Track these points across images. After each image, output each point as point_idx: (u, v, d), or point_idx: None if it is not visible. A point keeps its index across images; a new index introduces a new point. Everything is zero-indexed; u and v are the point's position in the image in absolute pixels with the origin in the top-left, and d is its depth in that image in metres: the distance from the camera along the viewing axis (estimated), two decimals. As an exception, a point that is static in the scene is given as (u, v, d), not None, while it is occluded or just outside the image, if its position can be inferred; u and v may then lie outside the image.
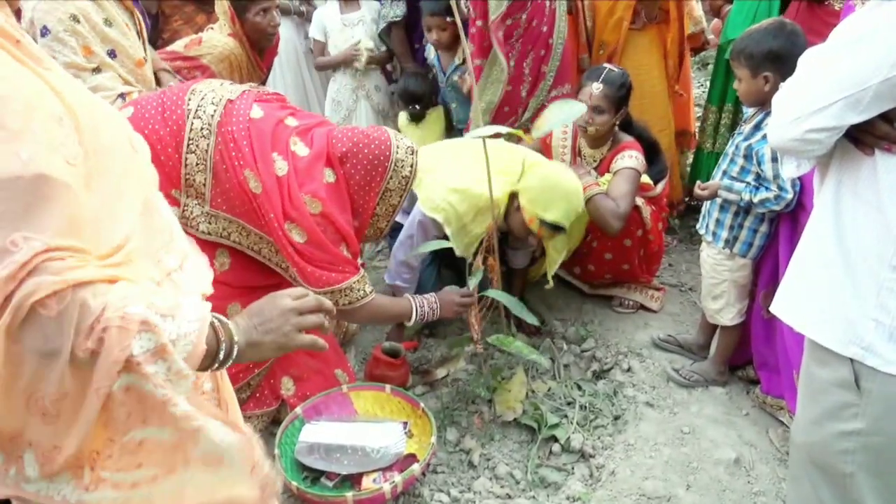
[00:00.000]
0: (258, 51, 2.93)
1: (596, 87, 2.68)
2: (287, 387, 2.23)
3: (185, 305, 0.89)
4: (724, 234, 2.32)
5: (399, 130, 3.34)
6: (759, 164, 2.15)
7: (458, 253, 2.49)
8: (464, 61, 3.42)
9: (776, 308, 1.42)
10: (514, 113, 3.27)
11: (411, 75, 3.56)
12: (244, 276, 2.02)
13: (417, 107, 3.47)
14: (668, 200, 3.47)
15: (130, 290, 0.83)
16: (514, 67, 3.16)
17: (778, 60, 2.05)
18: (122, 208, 0.88)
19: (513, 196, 2.45)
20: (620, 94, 2.72)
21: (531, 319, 2.29)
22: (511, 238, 2.72)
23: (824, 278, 1.29)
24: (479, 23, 3.11)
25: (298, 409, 2.15)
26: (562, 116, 2.02)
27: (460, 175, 2.45)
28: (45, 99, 0.76)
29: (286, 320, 1.02)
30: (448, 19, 3.35)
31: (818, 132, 1.19)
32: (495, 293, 2.30)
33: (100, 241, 0.82)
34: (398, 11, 3.52)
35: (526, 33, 3.11)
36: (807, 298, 1.33)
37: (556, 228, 2.41)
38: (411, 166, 2.09)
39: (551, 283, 2.74)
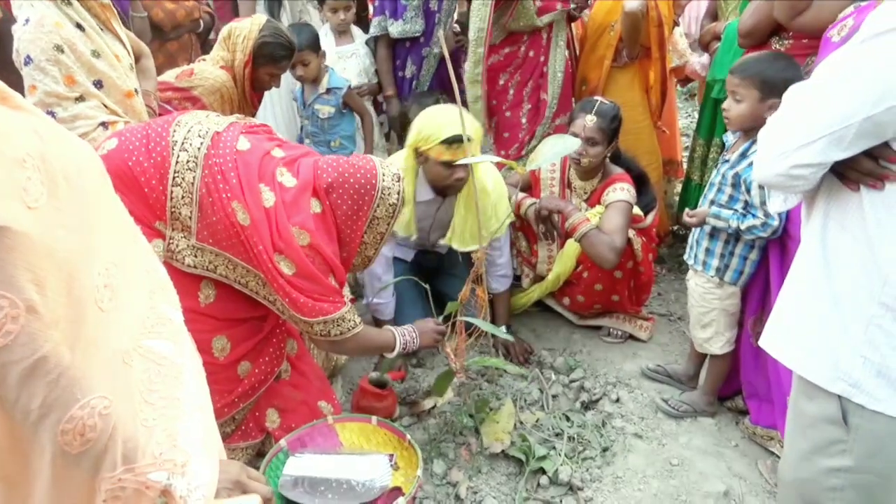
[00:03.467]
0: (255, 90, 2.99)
1: (589, 119, 2.70)
2: (272, 419, 2.20)
3: (195, 462, 0.91)
4: (715, 262, 2.32)
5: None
6: (747, 191, 2.16)
7: (400, 234, 2.61)
8: (328, 91, 3.46)
9: (765, 342, 1.41)
10: (515, 139, 3.34)
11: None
12: (230, 308, 2.00)
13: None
14: (657, 231, 3.50)
15: (138, 430, 0.84)
16: (514, 94, 3.24)
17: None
18: (99, 246, 0.86)
19: (415, 153, 2.54)
20: (613, 126, 2.74)
21: (503, 335, 2.29)
22: (441, 190, 2.68)
23: (812, 313, 1.29)
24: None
25: (283, 442, 2.11)
26: (556, 151, 2.02)
27: None
28: (5, 140, 0.74)
29: (228, 491, 1.06)
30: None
31: (803, 168, 1.20)
32: (469, 318, 2.32)
33: (72, 283, 0.79)
34: (404, 28, 3.50)
35: (524, 63, 3.20)
36: (795, 333, 1.33)
37: (457, 140, 2.40)
38: (398, 193, 2.09)
39: (530, 297, 2.73)
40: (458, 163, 2.39)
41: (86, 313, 0.79)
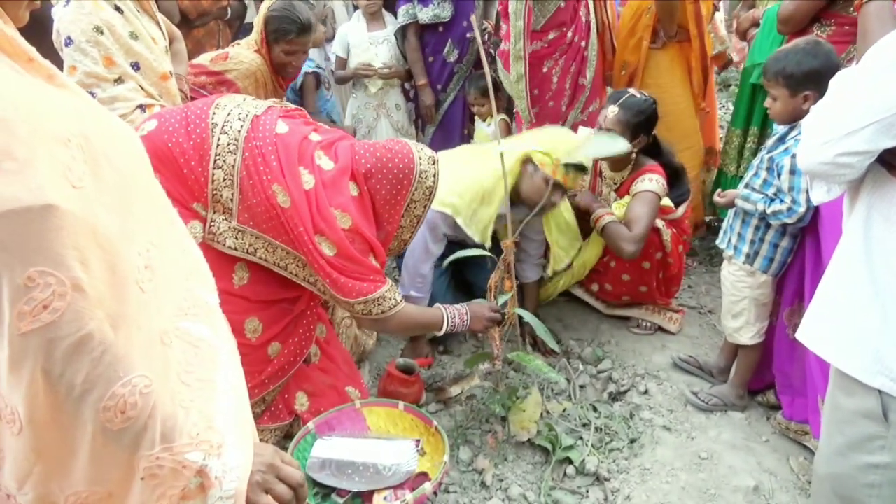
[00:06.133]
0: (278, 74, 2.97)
1: (612, 111, 2.68)
2: (301, 402, 2.22)
3: (230, 443, 0.92)
4: (746, 248, 2.30)
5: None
6: (778, 175, 2.13)
7: (476, 239, 2.52)
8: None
9: (802, 335, 1.39)
10: None
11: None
12: (263, 290, 2.02)
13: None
14: (692, 221, 3.47)
15: (177, 410, 0.85)
16: (558, 82, 3.20)
17: (819, 79, 2.03)
18: (140, 226, 0.87)
19: (525, 162, 2.49)
20: (637, 121, 2.68)
21: (553, 345, 2.31)
22: (523, 207, 2.62)
23: (853, 306, 1.26)
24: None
25: (311, 425, 2.13)
26: (601, 149, 2.00)
27: (461, 171, 2.51)
28: (50, 119, 0.75)
29: (262, 474, 1.03)
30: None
31: (849, 156, 1.16)
32: (524, 313, 2.30)
33: (114, 263, 0.80)
34: (436, 13, 3.50)
35: (569, 49, 3.15)
36: (834, 326, 1.30)
37: (580, 168, 2.45)
38: (434, 176, 2.10)
39: (557, 286, 2.75)
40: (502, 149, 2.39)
41: (128, 293, 0.80)
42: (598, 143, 2.02)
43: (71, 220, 0.73)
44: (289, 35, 2.79)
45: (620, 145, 2.00)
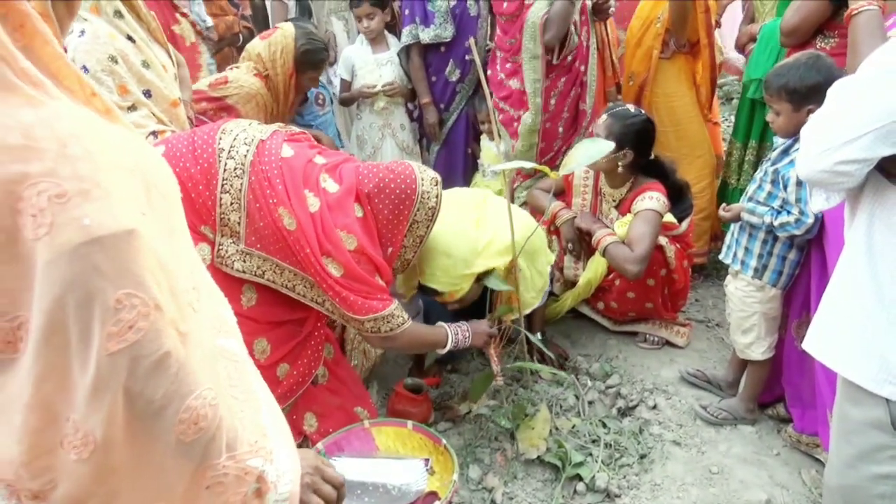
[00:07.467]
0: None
1: (601, 119, 2.71)
2: (310, 423, 2.22)
3: (278, 449, 0.97)
4: (753, 262, 2.29)
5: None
6: (784, 187, 2.14)
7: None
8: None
9: (808, 345, 1.39)
10: (549, 149, 3.33)
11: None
12: (270, 311, 2.04)
13: None
14: (711, 233, 3.50)
15: (238, 424, 0.89)
16: (556, 105, 3.23)
17: (822, 93, 2.03)
18: (183, 250, 0.91)
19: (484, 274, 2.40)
20: (623, 131, 2.67)
21: (548, 353, 2.38)
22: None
23: (857, 314, 1.26)
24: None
25: (320, 445, 2.13)
26: (589, 154, 2.02)
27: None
28: (117, 151, 0.79)
29: (310, 476, 1.08)
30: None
31: (848, 164, 1.17)
32: (518, 327, 2.34)
33: (173, 285, 0.84)
34: (437, 33, 3.55)
35: (569, 73, 3.19)
36: (839, 335, 1.31)
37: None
38: (436, 197, 2.13)
39: (564, 305, 2.86)
40: (495, 168, 2.41)
41: (185, 313, 0.85)
42: (584, 150, 2.04)
43: (145, 244, 0.77)
44: (321, 64, 3.02)
45: (603, 147, 2.01)
